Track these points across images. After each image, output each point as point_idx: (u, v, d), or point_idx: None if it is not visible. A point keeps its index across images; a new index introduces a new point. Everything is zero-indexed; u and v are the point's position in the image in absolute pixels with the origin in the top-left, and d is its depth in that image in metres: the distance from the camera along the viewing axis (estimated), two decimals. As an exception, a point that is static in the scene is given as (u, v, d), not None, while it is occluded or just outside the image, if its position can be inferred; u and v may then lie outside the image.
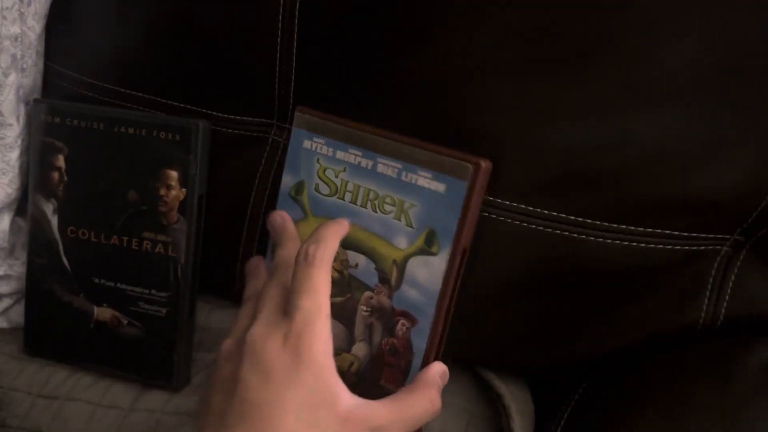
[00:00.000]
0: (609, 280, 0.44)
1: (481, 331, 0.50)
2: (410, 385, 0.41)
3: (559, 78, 0.40)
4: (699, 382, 0.42)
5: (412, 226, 0.42)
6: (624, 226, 0.42)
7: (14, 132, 0.50)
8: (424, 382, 0.41)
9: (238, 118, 0.49)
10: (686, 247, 0.43)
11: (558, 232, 0.43)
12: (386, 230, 0.43)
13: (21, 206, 0.55)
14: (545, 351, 0.49)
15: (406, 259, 0.42)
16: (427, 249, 0.41)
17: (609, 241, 0.42)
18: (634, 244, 0.42)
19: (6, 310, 0.56)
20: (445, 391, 0.42)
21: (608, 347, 0.47)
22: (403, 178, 0.41)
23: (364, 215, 0.44)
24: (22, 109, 0.51)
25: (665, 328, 0.44)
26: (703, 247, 0.43)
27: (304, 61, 0.46)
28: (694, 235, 0.42)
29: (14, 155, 0.51)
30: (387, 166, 0.42)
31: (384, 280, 0.43)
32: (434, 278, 0.41)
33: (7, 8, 0.47)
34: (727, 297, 0.43)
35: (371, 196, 0.43)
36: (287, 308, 0.38)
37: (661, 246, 0.42)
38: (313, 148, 0.45)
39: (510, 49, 0.40)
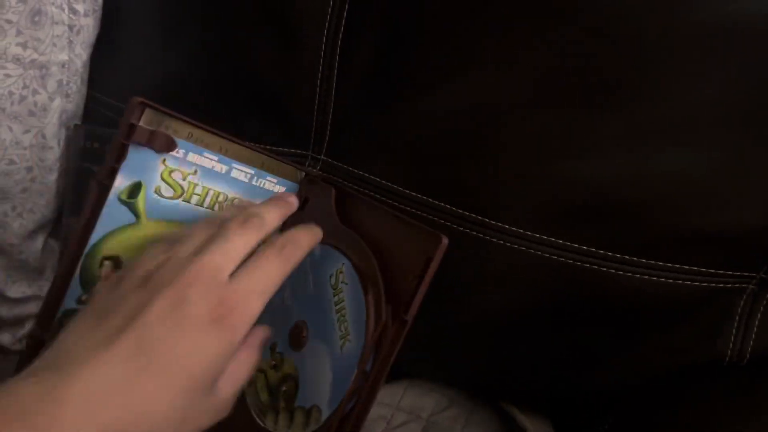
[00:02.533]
0: (635, 314, 0.45)
1: (504, 362, 0.50)
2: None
3: (586, 111, 0.41)
4: (726, 418, 0.43)
5: None
6: (651, 261, 0.43)
7: (54, 155, 0.52)
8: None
9: (274, 148, 0.51)
10: (712, 284, 0.43)
11: (586, 265, 0.44)
12: None
13: (54, 228, 0.56)
14: (569, 384, 0.49)
15: None
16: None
17: (636, 275, 0.43)
18: (662, 279, 0.43)
19: (33, 331, 0.57)
20: (469, 425, 0.41)
21: (633, 381, 0.47)
22: (254, 182, 0.45)
23: (211, 216, 0.44)
24: (63, 133, 0.52)
25: (692, 364, 0.45)
26: (729, 285, 0.44)
27: (342, 96, 0.48)
28: (720, 272, 0.43)
29: (52, 178, 0.52)
30: (241, 172, 0.44)
31: None
32: None
33: (57, 36, 0.49)
34: (753, 334, 0.43)
35: (221, 198, 0.44)
36: (238, 270, 0.35)
37: (688, 282, 0.43)
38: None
39: (538, 84, 0.42)
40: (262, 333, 0.40)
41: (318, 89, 0.48)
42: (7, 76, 0.47)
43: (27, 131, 0.50)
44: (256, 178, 0.45)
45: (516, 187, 0.44)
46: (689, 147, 0.40)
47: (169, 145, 0.40)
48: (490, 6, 0.41)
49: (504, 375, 0.50)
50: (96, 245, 0.41)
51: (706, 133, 0.40)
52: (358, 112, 0.48)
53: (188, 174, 0.42)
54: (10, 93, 0.48)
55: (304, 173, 0.46)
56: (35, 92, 0.49)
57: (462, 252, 0.45)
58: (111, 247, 0.41)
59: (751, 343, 0.44)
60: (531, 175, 0.43)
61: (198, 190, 0.43)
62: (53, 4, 0.48)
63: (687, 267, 0.43)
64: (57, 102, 0.51)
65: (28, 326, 0.56)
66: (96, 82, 0.55)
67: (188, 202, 0.43)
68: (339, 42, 0.46)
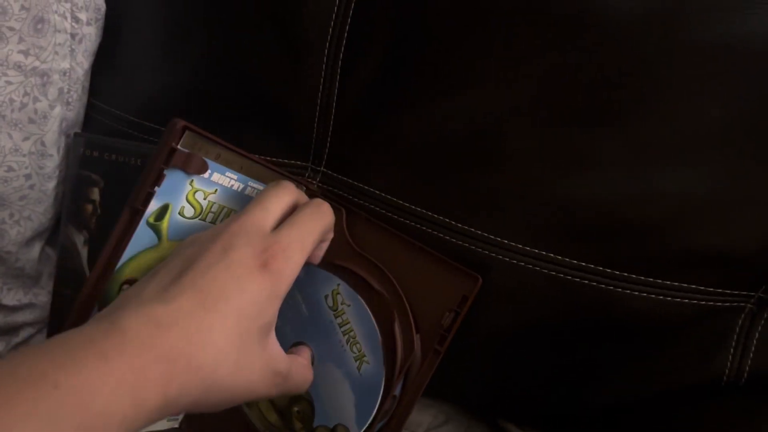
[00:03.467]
0: (634, 332, 0.45)
1: (502, 378, 0.50)
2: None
3: (588, 130, 0.41)
4: (724, 438, 0.43)
5: None
6: (651, 279, 0.43)
7: (54, 163, 0.52)
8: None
9: (275, 159, 0.51)
10: (711, 303, 0.43)
11: (585, 282, 0.44)
12: None
13: (52, 236, 0.56)
14: (567, 401, 0.49)
15: None
16: None
17: (636, 293, 0.43)
18: (661, 297, 0.43)
19: (27, 339, 0.56)
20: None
21: (632, 399, 0.47)
22: None
23: None
24: (63, 141, 0.52)
25: (690, 382, 0.45)
26: (728, 304, 0.44)
27: (343, 108, 0.48)
28: (720, 291, 0.43)
29: (51, 185, 0.52)
30: (254, 189, 0.44)
31: None
32: None
33: (59, 44, 0.49)
34: (751, 353, 0.43)
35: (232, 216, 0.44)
36: (280, 226, 0.38)
37: (687, 300, 0.43)
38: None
39: (540, 101, 0.42)
40: (309, 350, 0.44)
41: (319, 100, 0.48)
42: (8, 83, 0.47)
43: (27, 138, 0.49)
44: None
45: (518, 204, 0.44)
46: (691, 167, 0.40)
47: (202, 168, 0.40)
48: (494, 23, 0.41)
49: (502, 391, 0.50)
50: (119, 269, 0.41)
51: (708, 153, 0.40)
52: (358, 124, 0.48)
53: (209, 194, 0.43)
54: (11, 100, 0.47)
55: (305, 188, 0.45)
56: (36, 100, 0.49)
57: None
58: (131, 271, 0.41)
59: (749, 362, 0.43)
60: (533, 192, 0.43)
61: (215, 208, 0.43)
62: (56, 12, 0.48)
63: (686, 285, 0.43)
64: (57, 110, 0.50)
65: (23, 334, 0.56)
66: (97, 90, 0.54)
67: (204, 220, 0.43)
68: (341, 53, 0.46)
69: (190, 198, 0.42)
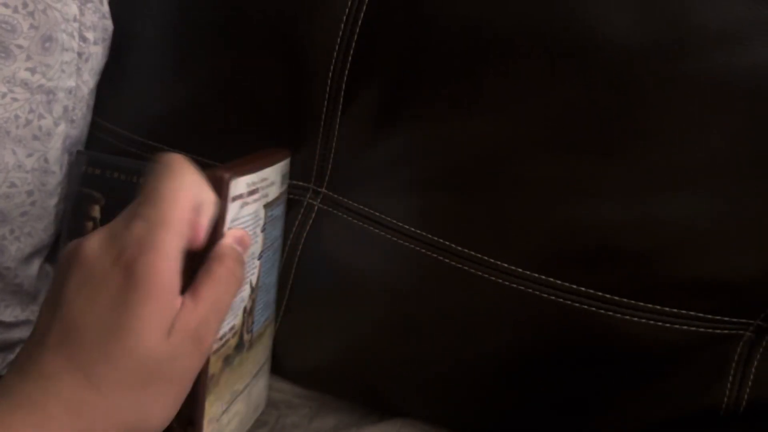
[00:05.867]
0: (631, 358, 0.45)
1: (499, 404, 0.50)
2: (205, 264, 0.34)
3: (590, 157, 0.42)
4: (723, 467, 0.42)
5: None
6: (649, 305, 0.43)
7: (56, 180, 0.52)
8: (219, 256, 0.35)
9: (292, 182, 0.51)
10: (710, 330, 0.43)
11: (584, 307, 0.44)
12: None
13: (51, 253, 0.56)
14: (564, 427, 0.49)
15: None
16: None
17: (635, 319, 0.43)
18: (659, 324, 0.43)
19: (23, 356, 0.56)
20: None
21: (629, 428, 0.47)
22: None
23: None
24: (66, 159, 0.53)
25: (688, 411, 0.45)
26: (726, 331, 0.44)
27: (345, 130, 0.48)
28: (718, 318, 0.43)
29: (53, 202, 0.52)
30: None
31: None
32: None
33: (66, 62, 0.50)
34: (750, 382, 0.43)
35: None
36: (130, 220, 0.32)
37: (685, 327, 0.43)
38: None
39: (542, 128, 0.42)
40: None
41: (322, 123, 0.48)
42: (14, 99, 0.47)
43: (30, 155, 0.50)
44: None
45: (519, 228, 0.44)
46: (691, 195, 0.41)
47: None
48: (497, 51, 0.42)
49: (498, 418, 0.50)
50: None
51: (708, 182, 0.40)
52: (360, 147, 0.49)
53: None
54: (16, 116, 0.48)
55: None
56: (41, 117, 0.49)
57: (464, 291, 0.45)
58: None
59: (748, 390, 0.43)
60: (534, 218, 0.43)
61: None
62: (64, 31, 0.49)
63: (685, 312, 0.43)
64: (62, 127, 0.51)
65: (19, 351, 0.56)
66: (101, 109, 0.55)
67: None
68: (345, 77, 0.47)
69: None
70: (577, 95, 0.41)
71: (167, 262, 0.30)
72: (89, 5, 0.51)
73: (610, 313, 0.43)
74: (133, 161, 0.53)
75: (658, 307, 0.43)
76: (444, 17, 0.43)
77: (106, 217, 0.52)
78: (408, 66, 0.45)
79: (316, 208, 0.51)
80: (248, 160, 0.41)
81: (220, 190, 0.36)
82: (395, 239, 0.47)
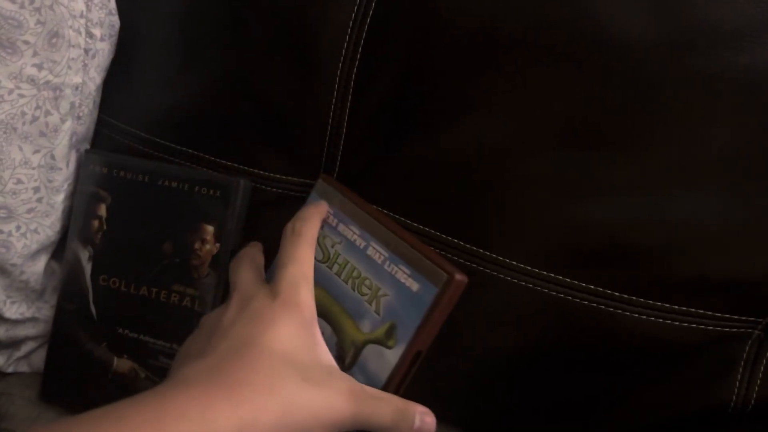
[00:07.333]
0: (640, 356, 0.45)
1: (504, 403, 0.50)
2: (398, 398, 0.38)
3: (596, 155, 0.42)
4: (731, 465, 0.43)
5: (379, 314, 0.41)
6: (658, 303, 0.43)
7: (62, 176, 0.52)
8: (406, 406, 0.37)
9: (283, 177, 0.51)
10: (718, 328, 0.44)
11: (593, 305, 0.44)
12: (357, 310, 0.42)
13: (57, 250, 0.55)
14: (571, 428, 0.49)
15: (364, 344, 0.41)
16: (384, 340, 0.40)
17: (643, 317, 0.43)
18: (668, 321, 0.43)
19: (29, 353, 0.56)
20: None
21: (637, 426, 0.47)
22: (386, 266, 0.41)
23: (343, 290, 0.44)
24: (73, 155, 0.52)
25: (696, 409, 0.45)
26: (735, 329, 0.44)
27: (353, 129, 0.48)
28: (727, 316, 0.43)
29: (59, 199, 0.52)
30: (376, 251, 0.42)
31: (340, 357, 0.42)
32: (383, 370, 0.40)
33: (72, 59, 0.49)
34: (758, 380, 0.43)
35: (354, 274, 0.43)
36: (272, 281, 0.39)
37: (694, 325, 0.43)
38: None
39: (548, 126, 0.42)
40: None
41: (330, 120, 0.48)
42: (21, 96, 0.47)
43: (36, 151, 0.49)
44: (389, 262, 0.41)
45: (525, 226, 0.44)
46: (699, 193, 0.41)
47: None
48: (503, 51, 0.42)
49: (503, 417, 0.50)
50: None
51: (716, 179, 0.40)
52: (368, 145, 0.48)
53: (336, 243, 0.44)
54: (23, 113, 0.48)
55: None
56: (47, 113, 0.49)
57: (473, 288, 0.45)
58: None
59: (756, 389, 0.43)
60: (541, 215, 0.43)
61: (340, 260, 0.44)
62: (71, 27, 0.48)
63: (693, 310, 0.43)
64: (68, 124, 0.51)
65: (24, 348, 0.56)
66: (108, 105, 0.55)
67: (330, 269, 0.45)
68: (353, 76, 0.47)
69: (320, 241, 0.45)
70: (589, 93, 0.41)
71: (311, 303, 0.39)
72: (96, 1, 0.50)
73: (619, 311, 0.44)
74: (140, 160, 0.52)
75: (667, 305, 0.43)
76: (456, 15, 0.43)
77: (112, 216, 0.52)
78: (418, 62, 0.45)
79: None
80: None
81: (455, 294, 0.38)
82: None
